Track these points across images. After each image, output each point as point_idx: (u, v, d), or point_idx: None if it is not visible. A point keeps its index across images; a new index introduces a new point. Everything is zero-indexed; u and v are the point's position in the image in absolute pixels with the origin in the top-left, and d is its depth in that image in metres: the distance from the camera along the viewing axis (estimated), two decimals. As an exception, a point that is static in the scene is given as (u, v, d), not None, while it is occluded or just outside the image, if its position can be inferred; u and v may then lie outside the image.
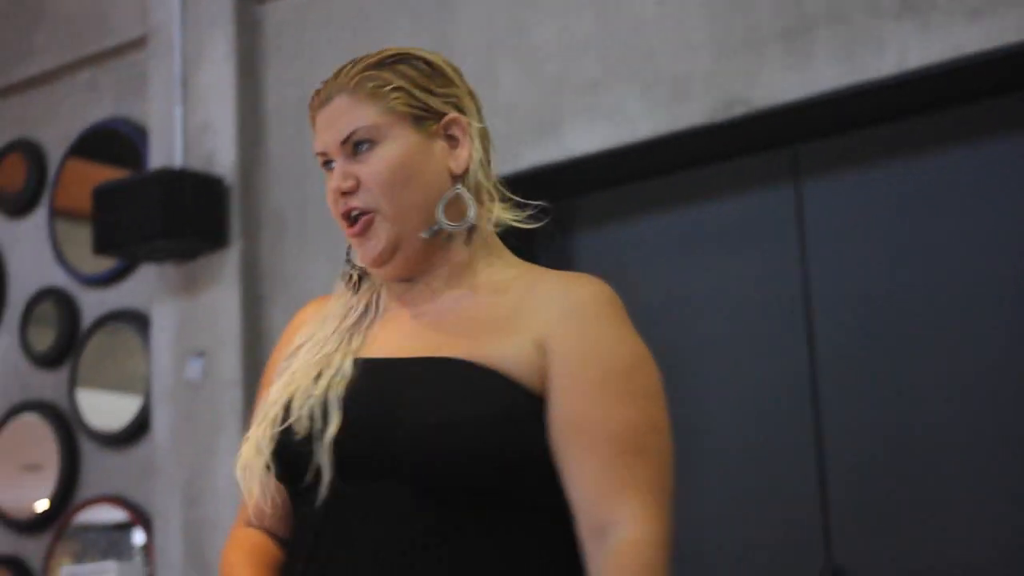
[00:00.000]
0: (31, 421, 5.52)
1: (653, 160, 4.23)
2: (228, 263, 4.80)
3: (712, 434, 4.17)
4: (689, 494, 4.13)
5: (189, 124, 4.95)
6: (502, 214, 1.81)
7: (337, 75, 1.80)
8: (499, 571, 1.64)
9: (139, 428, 5.18)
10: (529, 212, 1.84)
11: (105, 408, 5.39)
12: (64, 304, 5.47)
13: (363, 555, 1.64)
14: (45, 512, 5.39)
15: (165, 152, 4.98)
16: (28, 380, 5.55)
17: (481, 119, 1.81)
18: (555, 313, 1.71)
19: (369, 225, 1.77)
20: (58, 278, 5.53)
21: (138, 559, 5.18)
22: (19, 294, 5.64)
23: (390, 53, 1.79)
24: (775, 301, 4.12)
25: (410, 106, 1.75)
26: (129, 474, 5.21)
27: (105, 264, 5.33)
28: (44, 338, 5.52)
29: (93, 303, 5.42)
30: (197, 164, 4.89)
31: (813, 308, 4.06)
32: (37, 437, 5.49)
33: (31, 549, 5.41)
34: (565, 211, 4.49)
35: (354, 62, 1.80)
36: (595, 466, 1.63)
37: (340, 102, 1.77)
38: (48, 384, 5.49)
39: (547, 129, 4.29)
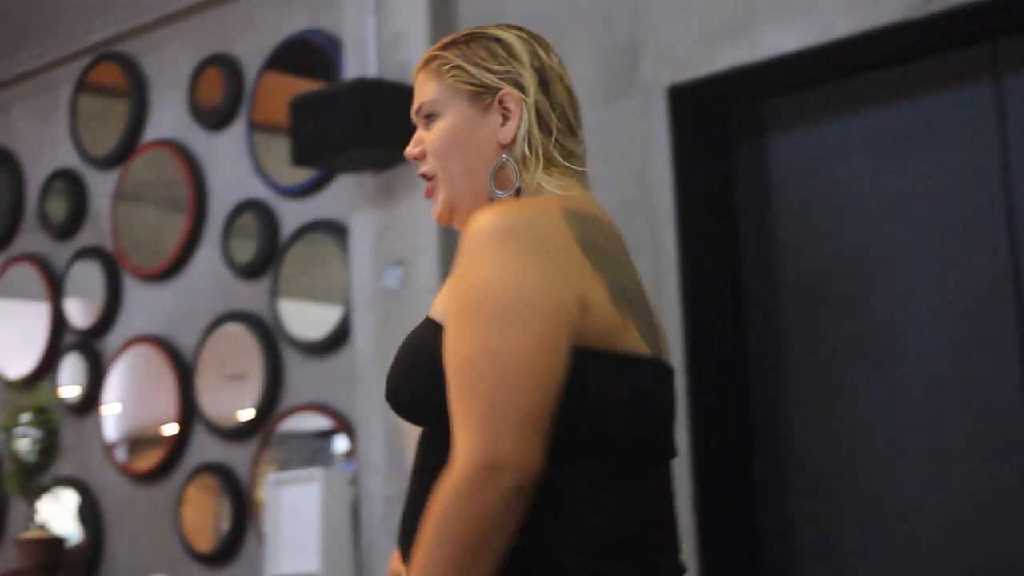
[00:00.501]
0: (235, 331, 5.83)
1: (849, 59, 4.28)
2: (423, 172, 4.99)
3: (910, 337, 4.24)
4: (887, 398, 4.24)
5: (382, 34, 5.14)
6: (544, 180, 1.97)
7: (428, 51, 2.07)
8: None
9: (340, 337, 5.45)
10: (576, 171, 2.01)
11: (306, 317, 5.67)
12: (264, 216, 5.76)
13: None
14: (250, 420, 5.71)
15: (359, 63, 5.17)
16: (231, 291, 5.86)
17: (547, 93, 2.00)
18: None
19: (433, 189, 2.05)
20: (257, 190, 5.81)
21: (342, 466, 5.46)
22: (220, 207, 5.94)
23: (465, 33, 2.04)
24: (975, 201, 4.16)
25: (466, 83, 2.00)
26: (331, 382, 5.49)
27: (303, 175, 5.58)
28: (245, 250, 5.81)
29: (292, 214, 5.69)
30: (391, 74, 5.07)
31: (1015, 208, 4.08)
32: (241, 347, 5.79)
33: (238, 457, 5.74)
34: (760, 113, 4.57)
35: (443, 40, 2.07)
36: (451, 399, 1.82)
37: (419, 78, 2.06)
38: (250, 295, 5.79)
39: (741, 31, 4.37)
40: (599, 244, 1.89)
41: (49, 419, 5.31)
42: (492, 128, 2.00)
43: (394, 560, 2.14)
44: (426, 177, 2.06)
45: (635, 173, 4.56)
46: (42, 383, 6.26)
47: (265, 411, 5.67)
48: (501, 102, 2.00)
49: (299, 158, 5.12)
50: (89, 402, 6.22)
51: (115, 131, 6.33)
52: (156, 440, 6.04)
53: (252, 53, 5.89)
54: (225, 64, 5.97)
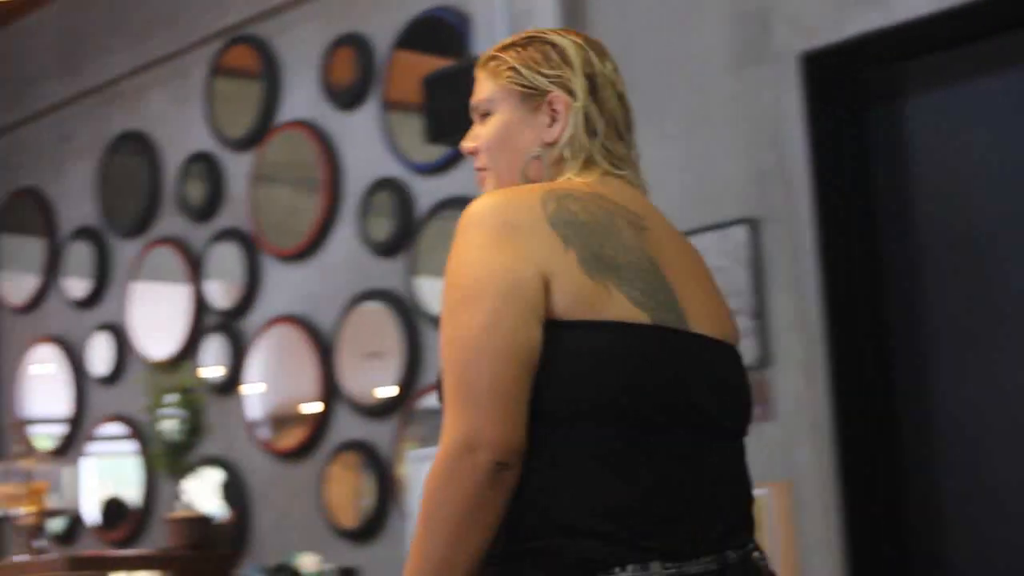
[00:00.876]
0: (373, 309, 6.00)
1: (985, 21, 4.29)
2: (555, 147, 5.11)
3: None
4: (995, 371, 4.25)
5: (512, 10, 5.25)
6: (574, 177, 2.11)
7: (487, 52, 2.26)
8: None
9: (476, 313, 5.59)
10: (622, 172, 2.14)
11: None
12: (399, 194, 5.92)
13: None
14: (391, 398, 5.88)
15: (489, 39, 5.28)
16: (368, 269, 6.03)
17: (596, 98, 2.14)
18: None
19: (484, 180, 2.23)
20: (392, 168, 5.97)
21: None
22: (355, 186, 6.12)
23: (524, 36, 2.22)
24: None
25: (519, 84, 2.17)
26: (469, 358, 5.63)
27: (437, 152, 5.73)
28: (381, 228, 5.98)
29: (427, 191, 5.85)
30: (521, 49, 5.18)
31: None
32: (379, 325, 5.97)
33: (379, 434, 5.92)
34: (894, 77, 4.60)
35: (503, 41, 2.25)
36: None
37: (478, 75, 2.24)
38: (387, 273, 5.96)
39: (873, -6, 4.40)
40: (578, 218, 1.98)
41: (193, 400, 5.53)
42: (540, 128, 2.16)
43: None
44: (479, 170, 2.24)
45: (769, 142, 4.62)
46: (185, 364, 6.49)
47: (405, 388, 5.83)
48: (550, 104, 2.15)
49: (433, 135, 5.26)
50: (231, 382, 6.45)
51: (249, 113, 6.54)
52: (298, 418, 6.25)
53: (383, 32, 6.05)
54: (356, 43, 6.13)
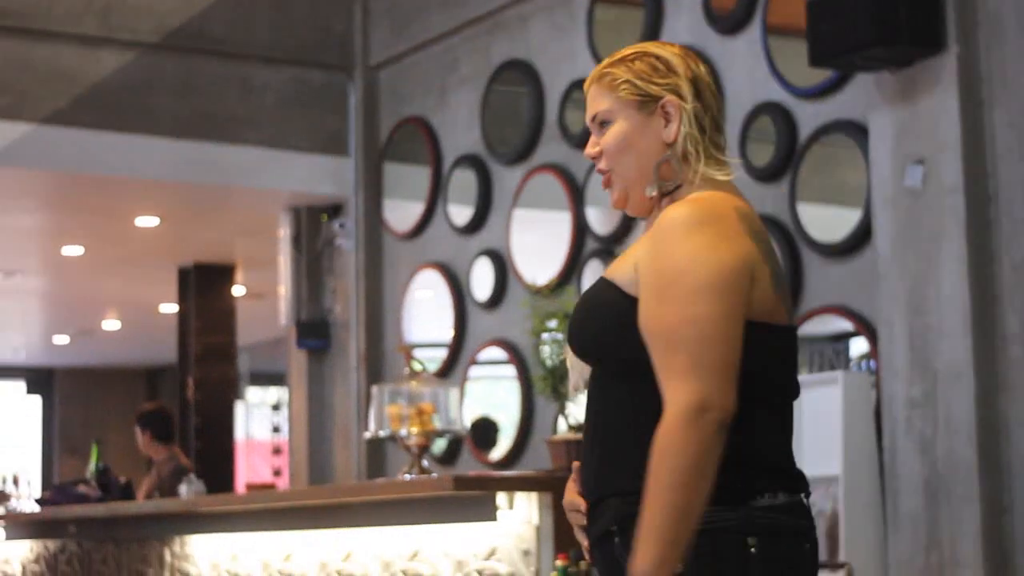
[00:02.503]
0: (753, 235, 6.13)
1: None
2: (945, 68, 5.13)
3: None
4: None
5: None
6: (707, 171, 2.54)
7: (597, 68, 2.64)
8: (622, 418, 2.51)
9: (860, 238, 5.67)
10: (734, 163, 2.59)
11: (825, 219, 5.92)
12: (781, 118, 6.03)
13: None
14: (770, 324, 6.01)
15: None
16: (750, 195, 6.12)
17: (700, 99, 2.55)
18: (646, 239, 2.53)
19: (609, 181, 2.63)
20: (774, 93, 6.08)
21: (863, 368, 5.69)
22: (737, 111, 6.25)
23: (631, 51, 2.60)
24: None
25: (634, 94, 2.56)
26: (851, 284, 5.72)
27: (820, 76, 5.81)
28: (763, 153, 6.10)
29: (809, 116, 5.94)
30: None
31: None
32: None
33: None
34: None
35: (610, 58, 2.63)
36: (654, 358, 2.42)
37: (592, 89, 2.63)
38: (769, 198, 6.09)
39: None
40: (761, 236, 2.48)
41: (575, 323, 5.77)
42: (656, 130, 2.56)
43: (569, 490, 2.68)
44: (603, 172, 2.64)
45: None
46: (566, 289, 6.77)
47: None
48: (663, 108, 2.55)
49: (817, 59, 5.35)
50: (611, 307, 6.69)
51: (631, 40, 6.72)
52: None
53: (766, -46, 6.13)
54: (739, -33, 6.24)
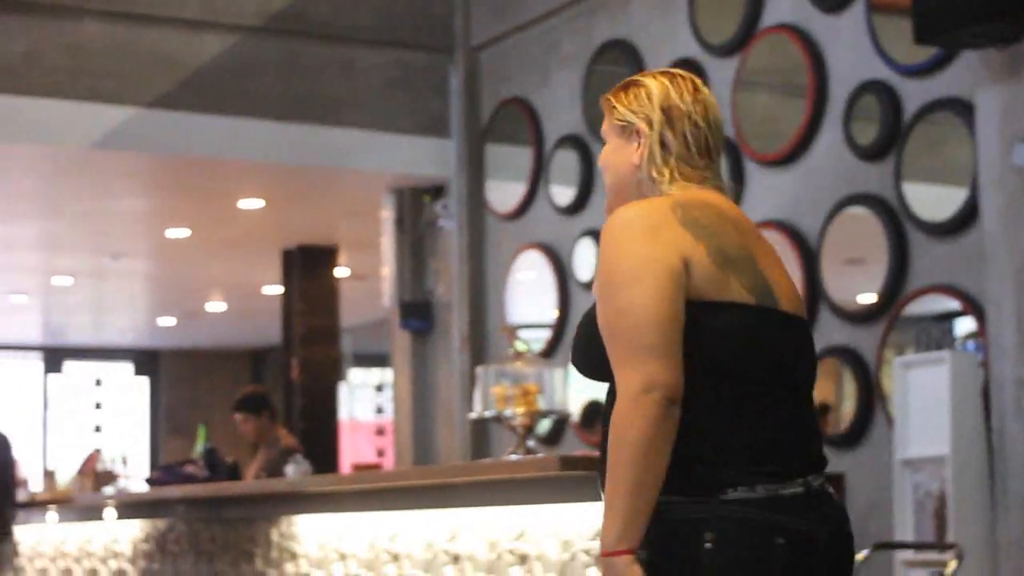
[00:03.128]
0: (858, 214, 6.16)
1: None
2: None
3: None
4: None
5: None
6: (667, 189, 2.72)
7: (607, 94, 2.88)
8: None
9: (966, 217, 5.67)
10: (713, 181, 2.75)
11: (931, 198, 5.92)
12: (885, 96, 6.03)
13: None
14: (875, 304, 6.03)
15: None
16: (854, 174, 6.19)
17: (671, 126, 2.75)
18: None
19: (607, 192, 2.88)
20: (878, 71, 6.09)
21: (970, 347, 5.69)
22: (840, 89, 6.27)
23: (627, 81, 2.84)
24: None
25: (618, 120, 2.81)
26: (958, 263, 5.73)
27: (924, 53, 5.81)
28: (867, 131, 6.12)
29: (914, 93, 5.94)
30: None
31: None
32: (863, 230, 6.12)
33: (862, 339, 6.09)
34: None
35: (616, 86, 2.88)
36: (608, 354, 2.60)
37: (604, 112, 2.87)
38: (873, 177, 6.10)
39: None
40: (700, 222, 2.62)
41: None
42: (630, 153, 2.79)
43: None
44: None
45: None
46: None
47: (890, 294, 5.97)
48: (636, 133, 2.77)
49: (922, 36, 5.35)
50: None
51: (733, 19, 6.78)
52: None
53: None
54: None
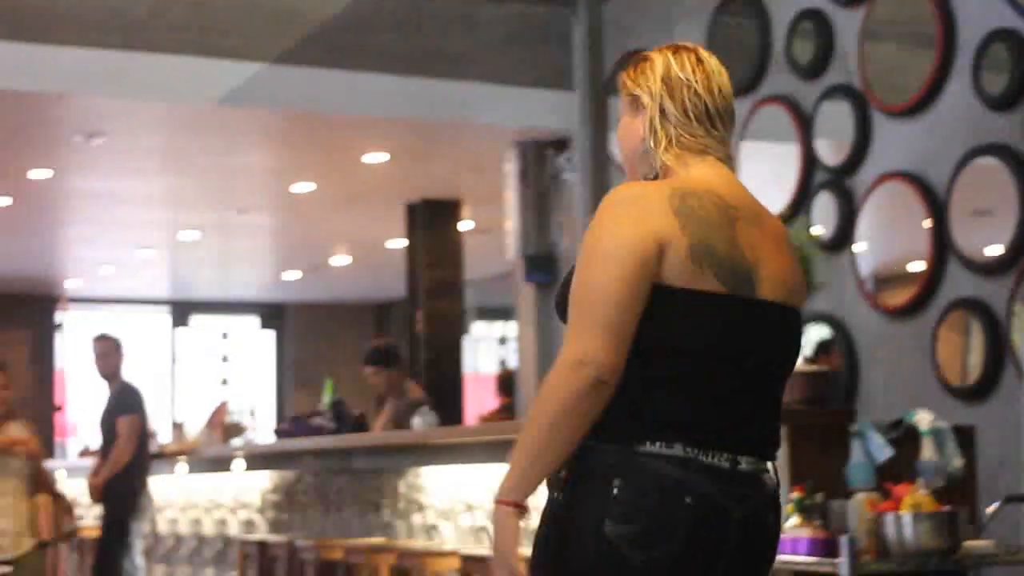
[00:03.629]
0: (987, 165, 6.14)
1: None
2: None
3: None
4: None
5: None
6: (664, 158, 2.86)
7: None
8: None
9: (1098, 167, 5.64)
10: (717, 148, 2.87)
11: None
12: (1016, 46, 6.00)
13: None
14: (1003, 256, 6.02)
15: None
16: (982, 125, 6.16)
17: (672, 96, 2.86)
18: None
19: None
20: (1008, 19, 6.05)
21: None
22: (969, 39, 6.24)
23: (636, 56, 2.97)
24: None
25: (627, 93, 2.95)
26: (1089, 214, 5.69)
27: (1056, 1, 5.77)
28: (996, 81, 6.09)
29: (1045, 42, 5.90)
30: None
31: None
32: (991, 181, 6.10)
33: (991, 292, 6.08)
34: None
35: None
36: None
37: None
38: (1003, 128, 6.07)
39: None
40: (694, 212, 2.73)
41: (804, 256, 5.85)
42: (637, 125, 2.93)
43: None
44: None
45: None
46: (795, 221, 6.85)
47: (1019, 246, 5.96)
48: (641, 105, 2.91)
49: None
50: (841, 239, 6.77)
51: (860, -32, 6.76)
52: (906, 276, 6.50)
53: None
54: None
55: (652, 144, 2.89)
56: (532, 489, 2.72)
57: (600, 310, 2.68)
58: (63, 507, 8.29)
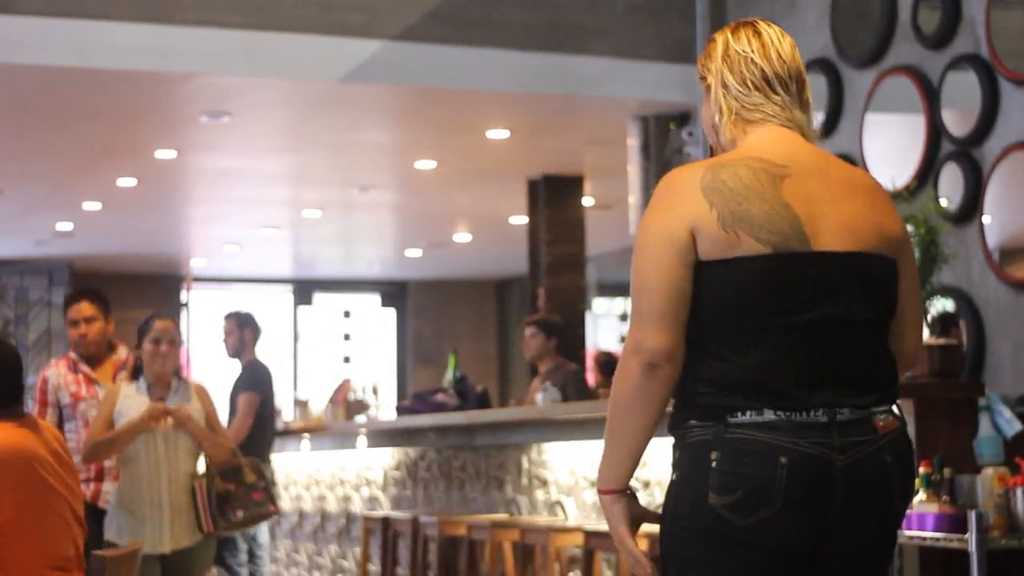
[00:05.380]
0: (1119, 134, 6.10)
1: None
2: None
3: None
4: None
5: None
6: (728, 130, 3.03)
7: None
8: None
9: None
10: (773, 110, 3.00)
11: None
12: None
13: None
14: None
15: None
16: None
17: (728, 73, 3.02)
18: None
19: None
20: None
21: None
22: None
23: (712, 38, 3.10)
24: None
25: (700, 76, 3.12)
26: None
27: None
28: None
29: None
30: None
31: None
32: None
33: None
34: None
35: None
36: None
37: None
38: None
39: None
40: (724, 185, 2.87)
41: (931, 228, 5.86)
42: (710, 106, 3.08)
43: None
44: None
45: None
46: (921, 193, 6.84)
47: None
48: (710, 87, 3.07)
49: None
50: (968, 211, 6.75)
51: (986, -66, 6.73)
52: (1036, 249, 6.48)
53: None
54: None
55: (717, 120, 3.05)
56: (626, 472, 2.92)
57: (645, 299, 2.86)
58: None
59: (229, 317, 9.30)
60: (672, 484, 2.91)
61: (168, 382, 6.39)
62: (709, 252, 2.85)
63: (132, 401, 6.29)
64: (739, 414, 2.82)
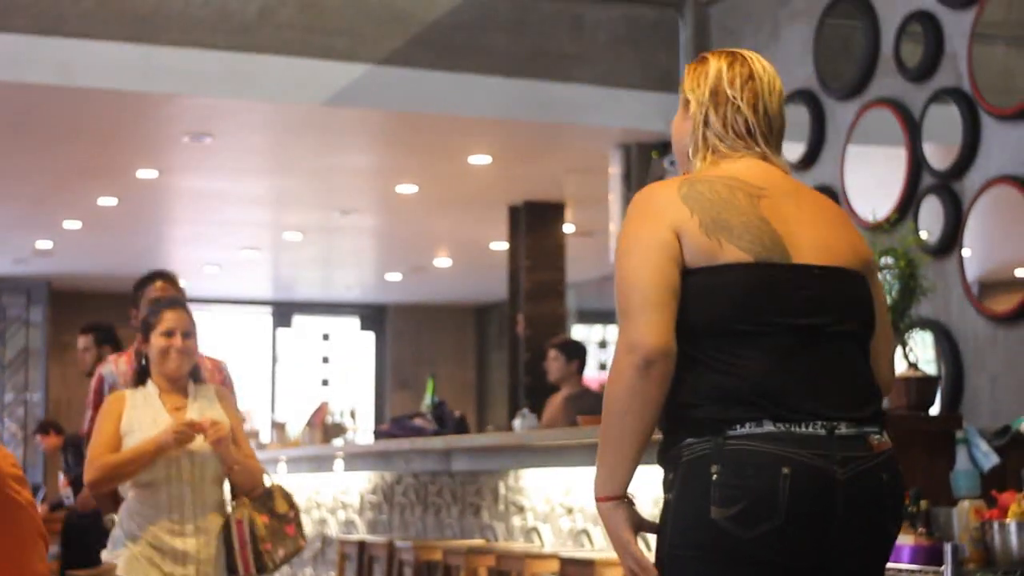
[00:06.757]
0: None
1: None
2: None
3: None
4: None
5: None
6: (698, 163, 3.05)
7: None
8: None
9: None
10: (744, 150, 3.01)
11: None
12: None
13: None
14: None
15: None
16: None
17: (712, 111, 3.02)
18: None
19: None
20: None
21: None
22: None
23: (700, 56, 3.12)
24: None
25: (683, 96, 3.11)
26: None
27: None
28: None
29: None
30: None
31: None
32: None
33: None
34: None
35: None
36: None
37: None
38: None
39: None
40: (703, 195, 2.89)
41: (910, 261, 5.85)
42: (686, 124, 3.09)
43: None
44: None
45: None
46: (901, 225, 6.84)
47: None
48: (689, 107, 3.08)
49: None
50: (948, 244, 6.75)
51: (971, -31, 6.75)
52: (1013, 282, 6.48)
53: None
54: None
55: (691, 151, 3.06)
56: (625, 478, 2.87)
57: (636, 296, 2.83)
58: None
59: (86, 331, 8.19)
60: (668, 504, 2.87)
61: (184, 385, 5.28)
62: (694, 259, 2.86)
63: (142, 412, 5.17)
64: (738, 426, 2.79)
